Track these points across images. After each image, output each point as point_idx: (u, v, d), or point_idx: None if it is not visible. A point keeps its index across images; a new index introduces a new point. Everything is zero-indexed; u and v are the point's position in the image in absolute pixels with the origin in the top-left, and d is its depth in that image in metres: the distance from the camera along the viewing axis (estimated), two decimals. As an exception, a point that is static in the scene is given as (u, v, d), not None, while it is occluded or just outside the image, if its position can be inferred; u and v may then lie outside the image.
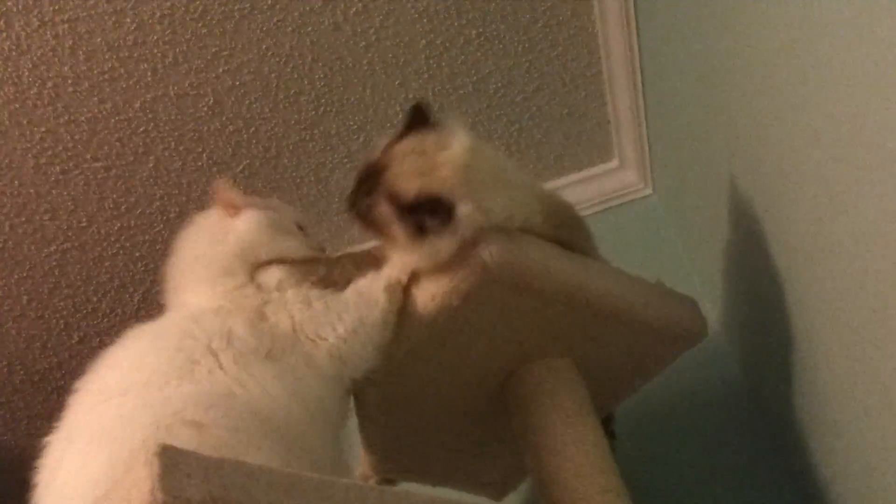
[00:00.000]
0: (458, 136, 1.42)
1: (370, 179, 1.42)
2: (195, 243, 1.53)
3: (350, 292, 1.48)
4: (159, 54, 2.03)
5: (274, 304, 1.44)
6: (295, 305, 1.44)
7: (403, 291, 1.48)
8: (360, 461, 1.77)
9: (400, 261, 1.47)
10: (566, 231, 1.60)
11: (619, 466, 1.54)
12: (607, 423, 1.93)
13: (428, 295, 1.46)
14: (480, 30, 2.17)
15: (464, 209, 1.37)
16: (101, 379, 1.31)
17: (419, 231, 1.38)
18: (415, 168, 1.39)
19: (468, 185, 1.38)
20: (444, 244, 1.39)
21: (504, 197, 1.45)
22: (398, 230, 1.40)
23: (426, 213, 1.37)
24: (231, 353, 1.33)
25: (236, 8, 2.00)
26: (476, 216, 1.39)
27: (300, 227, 1.59)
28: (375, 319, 1.45)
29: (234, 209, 1.53)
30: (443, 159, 1.39)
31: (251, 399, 1.29)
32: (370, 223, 1.42)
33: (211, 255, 1.49)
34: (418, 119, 1.46)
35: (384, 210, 1.39)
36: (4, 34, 1.92)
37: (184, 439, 1.15)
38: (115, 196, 2.24)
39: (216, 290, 1.46)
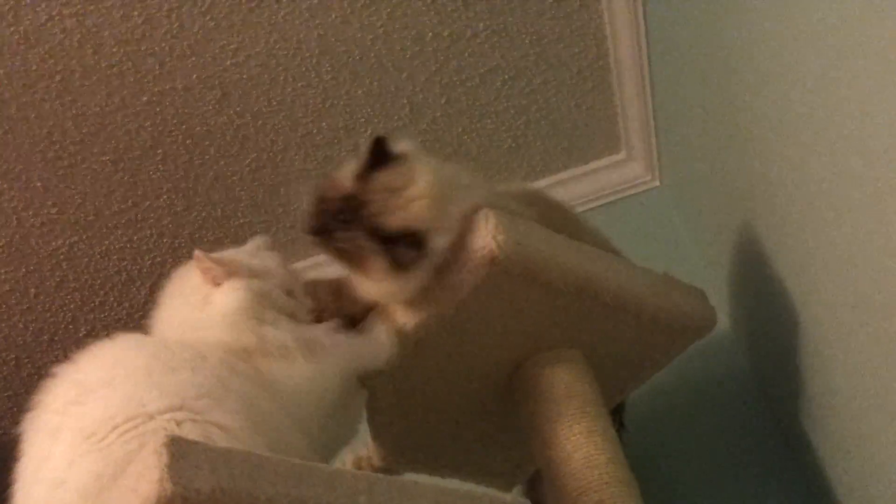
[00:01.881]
0: (421, 169, 1.48)
1: (346, 212, 1.46)
2: (174, 311, 1.45)
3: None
4: (167, 48, 2.03)
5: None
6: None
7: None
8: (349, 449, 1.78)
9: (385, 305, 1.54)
10: (553, 227, 1.60)
11: (629, 458, 1.54)
12: (617, 414, 1.93)
13: (437, 287, 1.47)
14: (488, 22, 2.16)
15: (437, 241, 1.45)
16: (82, 371, 1.27)
17: (398, 264, 1.44)
18: (392, 204, 1.45)
19: (439, 215, 1.46)
20: (419, 274, 1.46)
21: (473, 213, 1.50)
22: (378, 262, 1.45)
23: (404, 247, 1.43)
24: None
25: (244, 1, 2.00)
26: (447, 244, 1.47)
27: (289, 293, 1.47)
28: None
29: (216, 279, 1.42)
30: (413, 194, 1.45)
31: (239, 391, 1.28)
32: (345, 253, 1.47)
33: (189, 333, 1.39)
34: (381, 151, 1.50)
35: (364, 243, 1.45)
36: (13, 28, 1.92)
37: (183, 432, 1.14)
38: (122, 189, 2.24)
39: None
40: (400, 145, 1.52)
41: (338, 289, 1.59)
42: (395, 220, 1.44)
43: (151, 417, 1.16)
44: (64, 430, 1.19)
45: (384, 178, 1.47)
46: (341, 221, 1.45)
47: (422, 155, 1.54)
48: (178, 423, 1.16)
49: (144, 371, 1.24)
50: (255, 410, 1.26)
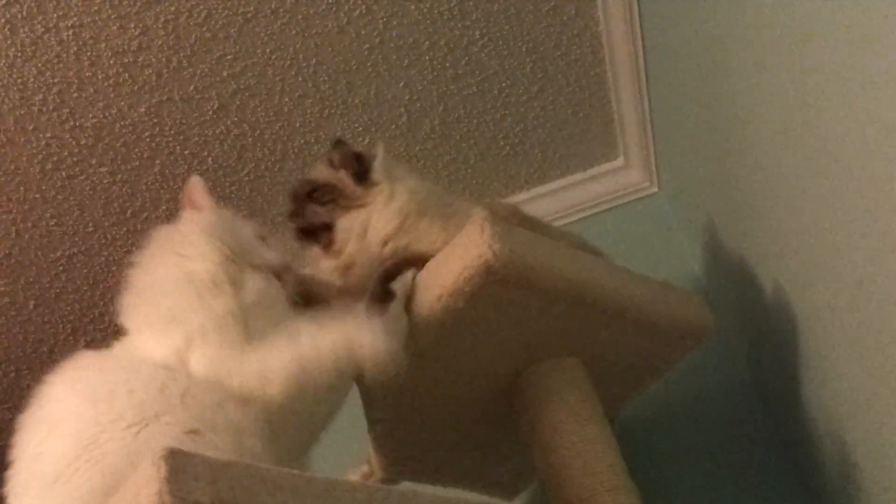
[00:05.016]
0: (395, 194, 1.57)
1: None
2: (156, 271, 1.45)
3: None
4: (164, 59, 2.03)
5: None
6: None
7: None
8: (354, 461, 1.78)
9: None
10: None
11: (627, 465, 1.54)
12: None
13: (433, 297, 1.46)
14: (484, 31, 2.16)
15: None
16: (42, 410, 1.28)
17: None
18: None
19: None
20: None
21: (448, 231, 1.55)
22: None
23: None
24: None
25: (240, 12, 2.01)
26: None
27: (262, 238, 1.54)
28: None
29: (198, 207, 1.50)
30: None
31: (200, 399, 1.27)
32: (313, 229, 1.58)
33: (173, 287, 1.40)
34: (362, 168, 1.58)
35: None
36: (10, 41, 1.92)
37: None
38: (120, 201, 2.24)
39: (168, 342, 1.35)
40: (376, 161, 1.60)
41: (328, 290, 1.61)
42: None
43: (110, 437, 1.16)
44: (32, 482, 1.20)
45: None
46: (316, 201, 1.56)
47: (397, 171, 1.62)
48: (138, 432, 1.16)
49: (105, 399, 1.23)
50: (221, 415, 1.24)
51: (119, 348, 1.42)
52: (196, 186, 1.52)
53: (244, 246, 1.45)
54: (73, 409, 1.24)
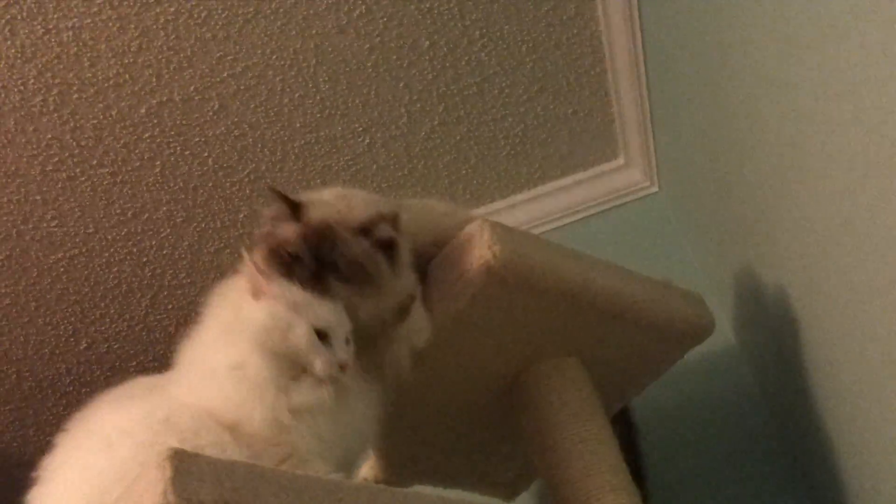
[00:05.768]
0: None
1: (321, 244, 1.43)
2: (208, 329, 1.36)
3: None
4: (164, 60, 2.03)
5: None
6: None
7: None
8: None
9: None
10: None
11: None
12: (624, 417, 1.94)
13: (434, 298, 1.47)
14: (484, 30, 2.17)
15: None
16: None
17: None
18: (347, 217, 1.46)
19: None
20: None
21: None
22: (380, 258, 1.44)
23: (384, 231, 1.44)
24: None
25: (240, 12, 2.01)
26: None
27: (324, 335, 1.32)
28: None
29: (259, 291, 1.33)
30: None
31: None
32: (354, 270, 1.44)
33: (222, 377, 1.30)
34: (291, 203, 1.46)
35: (365, 248, 1.44)
36: (9, 42, 1.92)
37: None
38: (121, 202, 2.24)
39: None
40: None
41: None
42: (360, 216, 1.42)
43: None
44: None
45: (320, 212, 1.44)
46: (328, 251, 1.40)
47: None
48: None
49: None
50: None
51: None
52: (253, 268, 1.35)
53: (296, 350, 1.30)
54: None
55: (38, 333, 2.43)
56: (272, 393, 1.26)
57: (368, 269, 1.40)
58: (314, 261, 1.37)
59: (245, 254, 1.35)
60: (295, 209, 1.42)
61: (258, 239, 1.44)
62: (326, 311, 1.33)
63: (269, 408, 1.25)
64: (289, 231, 1.41)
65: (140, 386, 1.35)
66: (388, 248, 1.41)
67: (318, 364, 1.29)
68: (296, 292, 1.33)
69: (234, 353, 1.28)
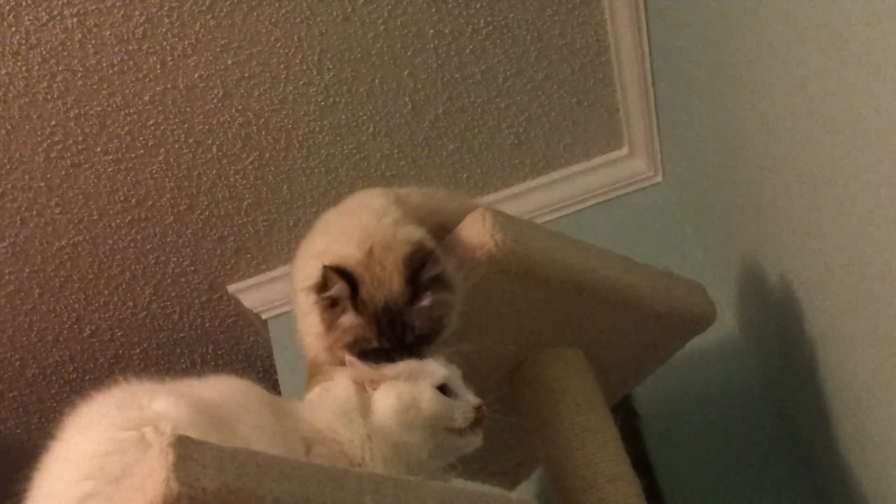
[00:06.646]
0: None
1: (395, 316, 1.43)
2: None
3: None
4: (168, 47, 2.03)
5: None
6: None
7: None
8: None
9: None
10: None
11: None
12: (626, 405, 1.94)
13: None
14: (489, 19, 2.16)
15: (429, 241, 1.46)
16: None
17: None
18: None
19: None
20: None
21: None
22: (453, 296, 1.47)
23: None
24: None
25: (245, 0, 2.00)
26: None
27: (445, 390, 1.36)
28: None
29: (372, 381, 1.35)
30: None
31: None
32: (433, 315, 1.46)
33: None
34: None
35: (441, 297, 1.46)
36: (14, 29, 1.92)
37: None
38: (125, 189, 2.25)
39: None
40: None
41: None
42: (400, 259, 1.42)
43: None
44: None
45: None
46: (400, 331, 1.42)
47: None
48: None
49: None
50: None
51: None
52: (357, 366, 1.37)
53: (433, 414, 1.33)
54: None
55: (42, 320, 2.44)
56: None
57: (437, 313, 1.43)
58: (395, 338, 1.40)
59: (346, 360, 1.37)
60: (353, 290, 1.41)
61: (339, 338, 1.43)
62: (434, 368, 1.37)
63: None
64: (357, 328, 1.41)
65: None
66: (438, 279, 1.42)
67: (458, 416, 1.33)
68: (400, 366, 1.36)
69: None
